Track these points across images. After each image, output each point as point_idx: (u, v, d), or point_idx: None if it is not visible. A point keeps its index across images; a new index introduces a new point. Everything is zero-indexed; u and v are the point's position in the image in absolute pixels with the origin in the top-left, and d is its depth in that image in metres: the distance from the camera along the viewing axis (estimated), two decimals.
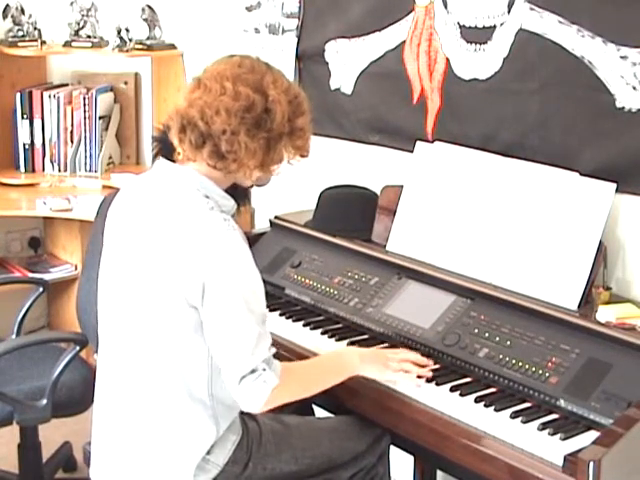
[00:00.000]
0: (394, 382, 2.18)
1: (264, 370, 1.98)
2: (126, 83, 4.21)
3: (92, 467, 2.19)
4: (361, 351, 2.26)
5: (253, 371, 1.97)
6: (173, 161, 2.10)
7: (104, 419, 2.16)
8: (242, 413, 2.16)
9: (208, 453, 2.06)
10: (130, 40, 3.83)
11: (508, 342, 2.23)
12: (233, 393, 2.00)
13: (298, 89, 2.12)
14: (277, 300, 2.67)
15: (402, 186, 2.70)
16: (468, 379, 2.22)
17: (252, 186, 2.23)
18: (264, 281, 2.62)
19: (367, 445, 2.29)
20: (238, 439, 2.12)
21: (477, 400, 2.12)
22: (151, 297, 2.01)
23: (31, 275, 3.87)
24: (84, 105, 4.02)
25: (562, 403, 2.06)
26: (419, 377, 2.19)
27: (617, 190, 2.30)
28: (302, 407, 2.48)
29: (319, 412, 2.53)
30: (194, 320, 1.98)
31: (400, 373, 2.19)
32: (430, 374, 2.21)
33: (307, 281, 2.68)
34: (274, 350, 2.03)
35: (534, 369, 2.14)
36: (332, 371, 2.18)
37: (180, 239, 1.97)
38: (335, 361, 2.22)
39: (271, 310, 2.60)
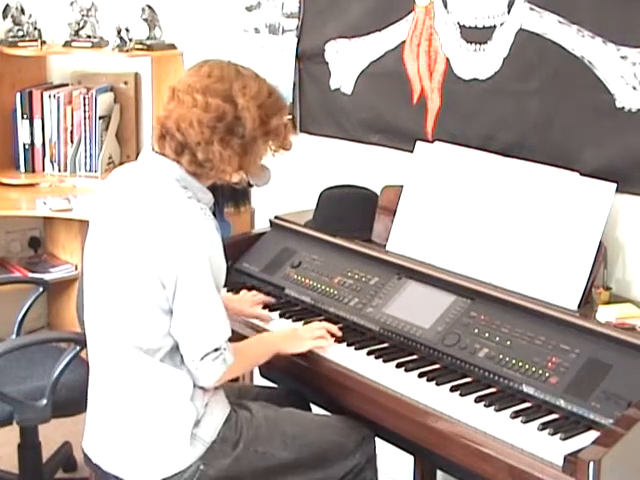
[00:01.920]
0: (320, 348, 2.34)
1: (224, 349, 2.08)
2: (126, 83, 4.21)
3: (85, 440, 2.24)
4: (281, 334, 2.39)
5: (216, 349, 2.07)
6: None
7: (95, 397, 2.22)
8: (232, 402, 2.22)
9: (195, 426, 2.10)
10: (130, 40, 3.83)
11: (508, 342, 2.23)
12: (192, 367, 2.08)
13: (271, 88, 2.17)
14: (277, 300, 2.67)
15: (402, 186, 2.70)
16: (468, 379, 2.21)
17: (251, 186, 2.25)
18: (264, 281, 2.62)
19: (355, 444, 2.32)
20: (225, 417, 2.16)
21: (477, 400, 2.11)
22: (126, 277, 2.08)
23: (31, 275, 3.87)
24: (84, 105, 4.03)
25: (562, 403, 2.06)
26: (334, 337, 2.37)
27: (617, 190, 2.30)
28: (299, 404, 2.49)
29: (317, 411, 2.53)
30: (164, 299, 2.05)
31: (317, 341, 2.34)
32: (339, 332, 2.39)
33: (307, 281, 2.68)
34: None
35: (534, 369, 2.14)
36: (264, 353, 2.31)
37: (158, 223, 2.04)
38: (265, 343, 2.34)
39: (271, 310, 2.60)
